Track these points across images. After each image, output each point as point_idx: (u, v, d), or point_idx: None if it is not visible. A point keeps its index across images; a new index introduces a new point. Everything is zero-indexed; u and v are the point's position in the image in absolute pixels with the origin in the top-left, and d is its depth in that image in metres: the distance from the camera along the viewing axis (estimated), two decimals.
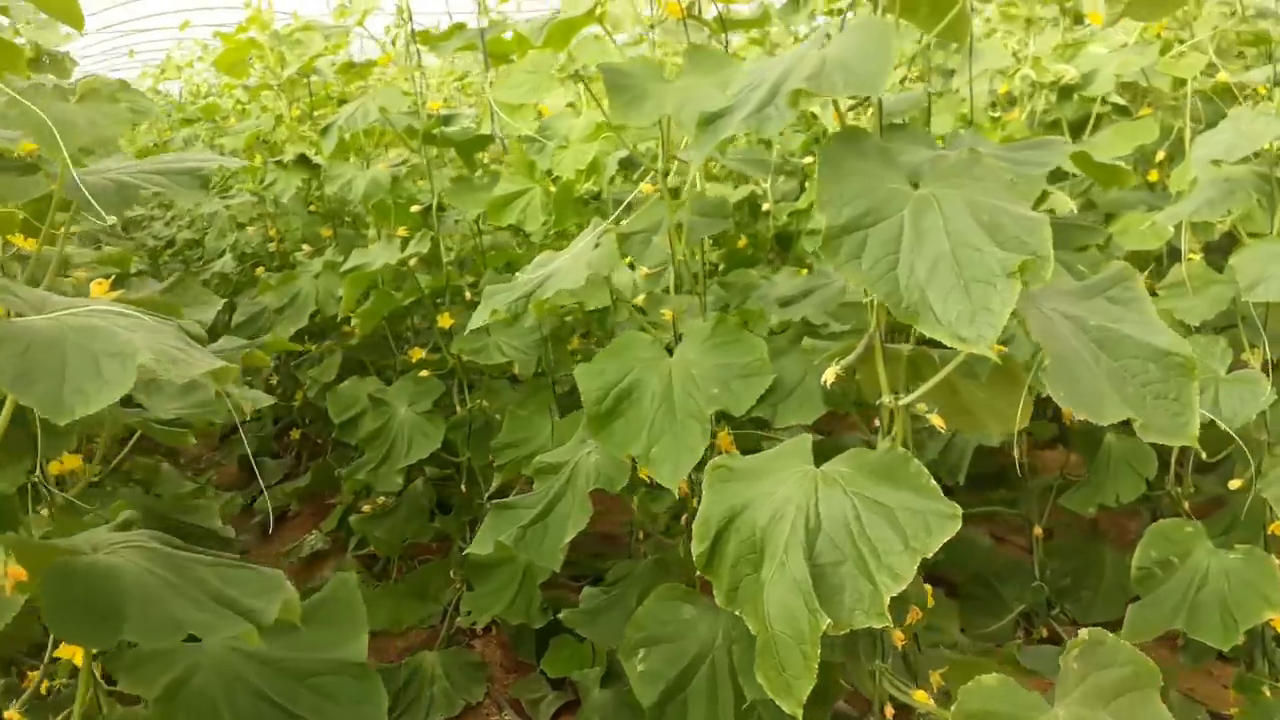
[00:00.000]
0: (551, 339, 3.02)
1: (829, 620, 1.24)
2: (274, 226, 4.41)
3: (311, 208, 4.25)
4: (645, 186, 1.90)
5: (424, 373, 3.29)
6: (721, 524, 1.44)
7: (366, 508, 3.74)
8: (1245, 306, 2.41)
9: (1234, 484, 2.46)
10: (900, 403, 1.47)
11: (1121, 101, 3.26)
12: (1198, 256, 2.67)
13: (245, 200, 4.01)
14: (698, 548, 1.44)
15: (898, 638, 1.65)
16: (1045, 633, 3.14)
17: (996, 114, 2.80)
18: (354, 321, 3.30)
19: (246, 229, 4.83)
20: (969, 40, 1.59)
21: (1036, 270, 1.19)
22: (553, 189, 2.61)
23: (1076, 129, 3.19)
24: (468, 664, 3.17)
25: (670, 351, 1.91)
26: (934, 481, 1.34)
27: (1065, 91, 2.93)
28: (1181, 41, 2.83)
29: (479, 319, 2.01)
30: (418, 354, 3.38)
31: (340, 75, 3.48)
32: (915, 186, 1.30)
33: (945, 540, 1.29)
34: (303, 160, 3.99)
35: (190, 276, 2.53)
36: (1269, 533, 2.45)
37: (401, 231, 3.27)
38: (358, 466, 3.17)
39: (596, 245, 2.01)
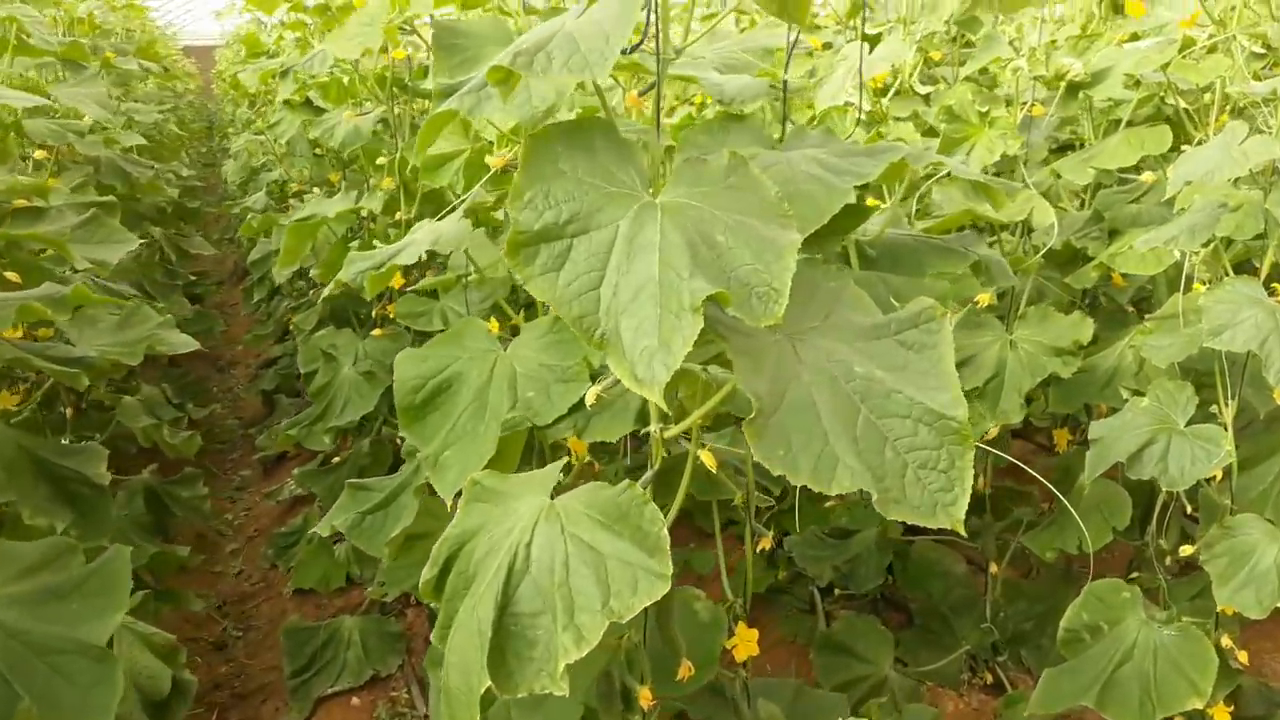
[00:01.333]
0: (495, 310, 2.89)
1: (488, 683, 1.08)
2: (285, 168, 4.38)
3: (317, 150, 4.20)
4: (494, 160, 1.73)
5: (377, 331, 3.21)
6: (452, 550, 1.29)
7: (337, 460, 3.71)
8: (1216, 353, 2.10)
9: (1185, 550, 2.17)
10: (666, 434, 1.29)
11: (1179, 103, 2.91)
12: (1202, 287, 2.36)
13: (250, 140, 3.97)
14: (427, 573, 1.30)
15: (644, 698, 1.47)
16: (990, 679, 2.89)
17: (984, 109, 2.52)
18: (313, 273, 3.23)
19: (272, 169, 4.83)
20: (807, 21, 1.36)
21: (745, 302, 1.00)
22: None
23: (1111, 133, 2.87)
24: (387, 633, 3.11)
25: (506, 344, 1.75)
26: (663, 531, 1.16)
27: (1072, 89, 2.62)
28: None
29: (330, 288, 1.88)
30: (390, 310, 3.29)
31: (316, 17, 3.38)
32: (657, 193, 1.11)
33: (650, 603, 1.11)
34: (307, 103, 3.93)
35: (106, 214, 2.47)
36: (1220, 611, 2.16)
37: (387, 182, 3.19)
38: (293, 422, 3.12)
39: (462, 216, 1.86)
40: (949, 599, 3.06)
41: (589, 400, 1.29)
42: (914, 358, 1.17)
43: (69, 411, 3.11)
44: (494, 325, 1.80)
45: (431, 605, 1.31)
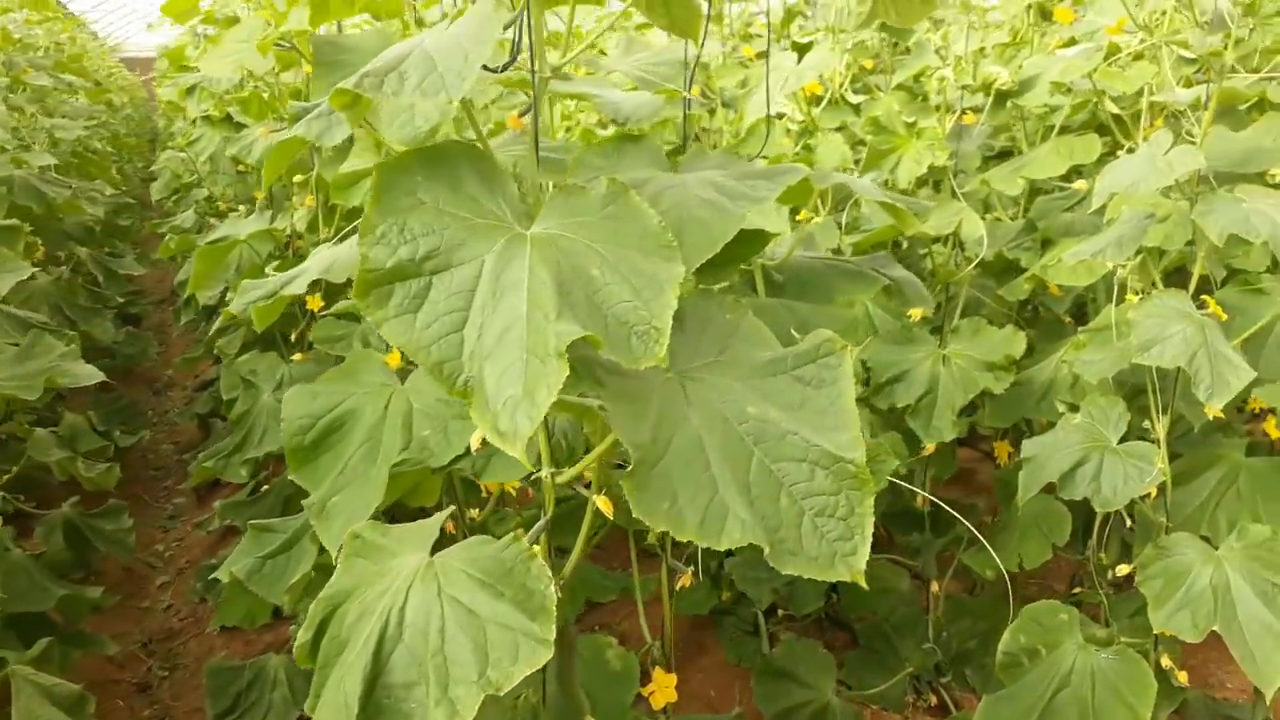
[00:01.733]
0: None
1: None
2: (209, 185, 4.24)
3: (240, 167, 4.06)
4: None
5: (298, 356, 3.08)
6: (326, 611, 1.19)
7: (266, 488, 3.58)
8: (1148, 367, 2.05)
9: (1123, 569, 2.12)
10: (558, 479, 1.20)
11: (1110, 110, 2.87)
12: (1135, 298, 2.31)
13: (173, 156, 3.82)
14: (302, 636, 1.20)
15: None
16: (935, 700, 2.83)
17: (911, 120, 2.46)
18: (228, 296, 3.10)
19: (202, 186, 4.68)
20: (702, 37, 1.28)
21: (624, 343, 0.91)
22: None
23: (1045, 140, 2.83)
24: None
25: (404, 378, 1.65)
26: (550, 590, 1.07)
27: (1000, 98, 2.57)
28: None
29: (220, 320, 1.76)
30: (311, 332, 3.17)
31: (225, 29, 3.25)
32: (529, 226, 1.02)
33: (532, 670, 1.02)
34: (228, 118, 3.79)
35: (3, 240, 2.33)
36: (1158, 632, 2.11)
37: (309, 201, 3.06)
38: (211, 453, 2.98)
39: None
40: (893, 618, 2.99)
41: (473, 444, 1.19)
42: (812, 394, 1.09)
43: None
44: (395, 358, 1.70)
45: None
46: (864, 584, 0.99)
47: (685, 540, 0.94)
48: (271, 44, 1.77)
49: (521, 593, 1.06)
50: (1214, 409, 1.81)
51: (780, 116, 2.90)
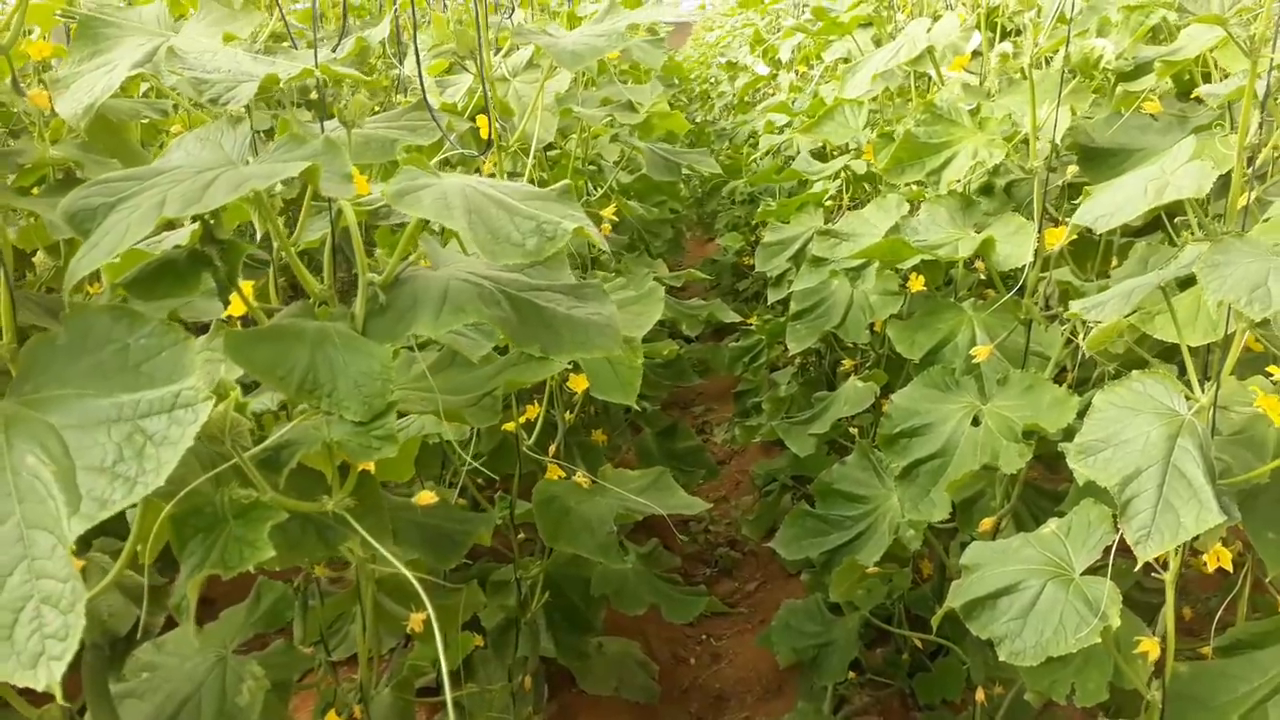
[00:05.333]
0: None
1: None
2: None
3: None
4: None
5: None
6: None
7: None
8: None
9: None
10: None
11: None
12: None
13: None
14: None
15: None
16: None
17: (974, 107, 1.89)
18: None
19: None
20: None
21: None
22: None
23: None
24: None
25: None
26: None
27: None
28: None
29: None
30: None
31: None
32: None
33: None
34: None
35: None
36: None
37: None
38: None
39: None
40: None
41: None
42: (150, 449, 0.88)
43: None
44: None
45: None
46: (59, 696, 0.79)
47: None
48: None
49: None
50: (1144, 557, 1.22)
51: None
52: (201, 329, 2.05)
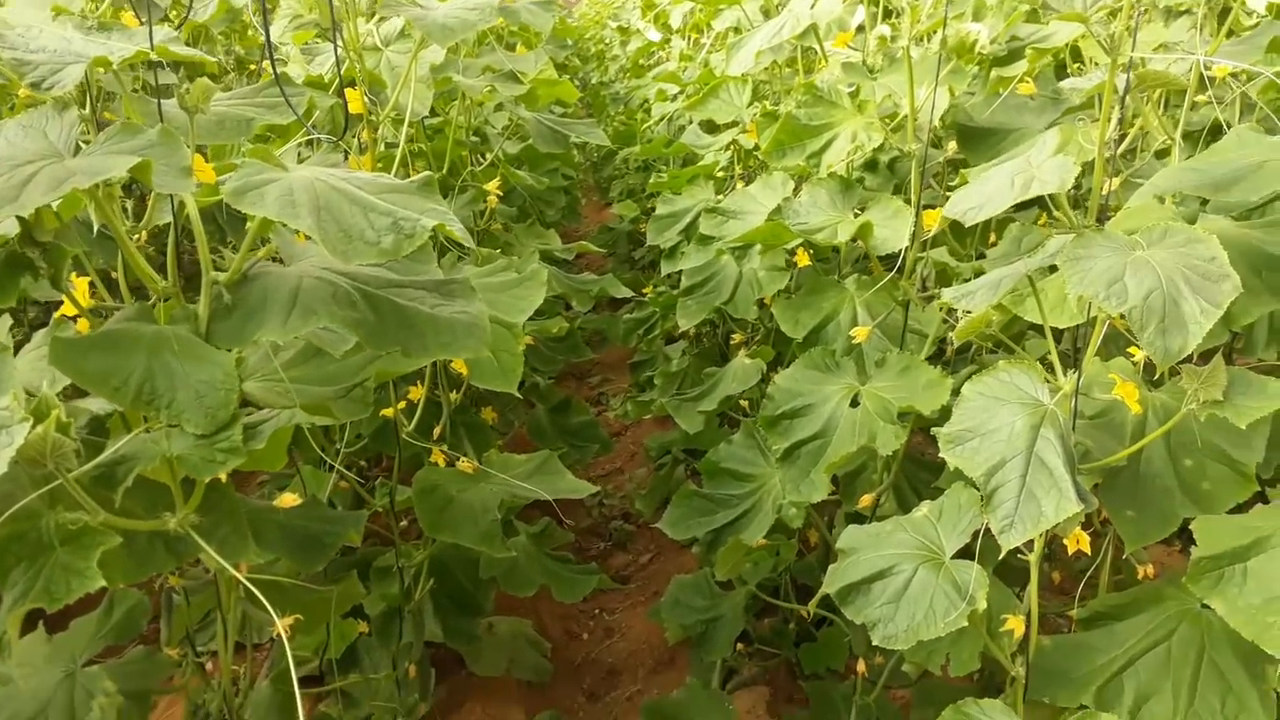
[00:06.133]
0: None
1: None
2: None
3: None
4: None
5: None
6: None
7: None
8: None
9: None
10: None
11: None
12: None
13: None
14: None
15: None
16: None
17: (853, 88, 1.89)
18: None
19: None
20: None
21: None
22: None
23: None
24: None
25: None
26: None
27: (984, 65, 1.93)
28: None
29: None
30: None
31: None
32: None
33: None
34: None
35: None
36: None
37: None
38: None
39: None
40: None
41: None
42: None
43: None
44: None
45: None
46: None
47: None
48: None
49: None
50: (1008, 545, 1.25)
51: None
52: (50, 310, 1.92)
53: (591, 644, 3.11)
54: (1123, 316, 1.23)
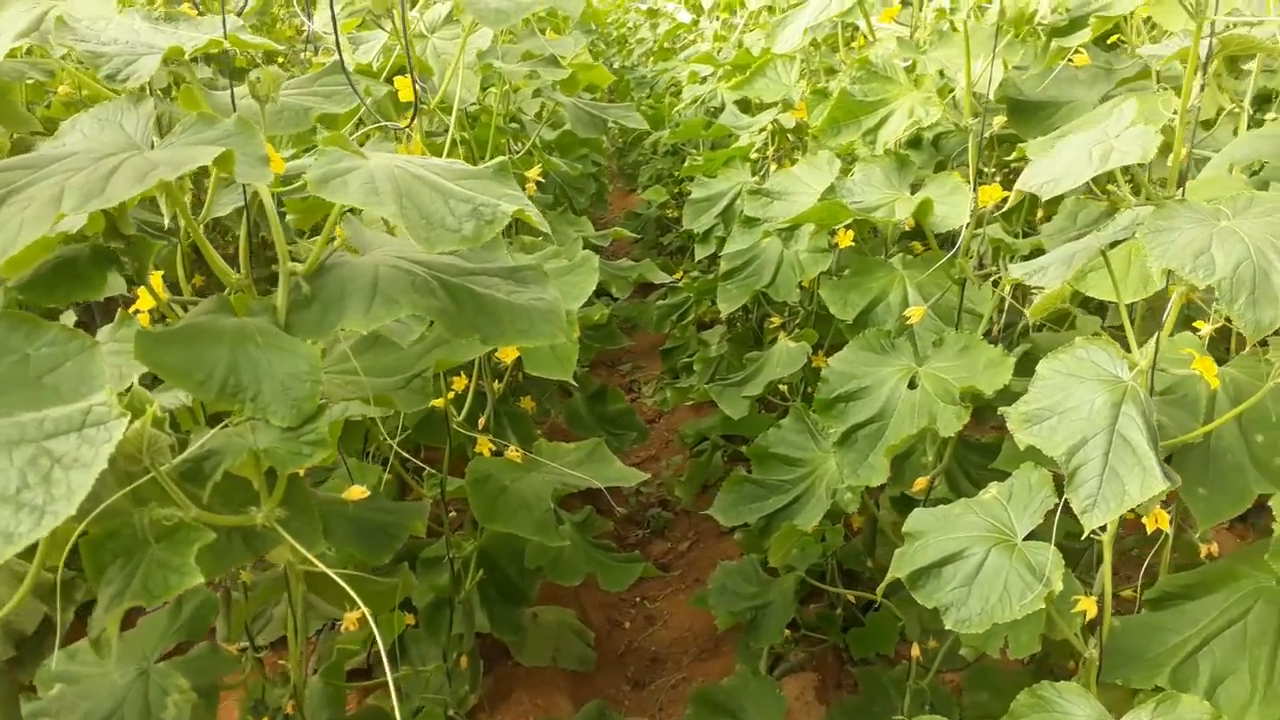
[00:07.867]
0: None
1: None
2: None
3: None
4: None
5: None
6: None
7: None
8: None
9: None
10: None
11: None
12: None
13: None
14: None
15: None
16: None
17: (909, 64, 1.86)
18: None
19: None
20: None
21: None
22: None
23: None
24: None
25: None
26: None
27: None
28: None
29: None
30: None
31: None
32: None
33: None
34: None
35: None
36: None
37: None
38: None
39: None
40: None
41: None
42: (59, 473, 0.79)
43: None
44: None
45: None
46: None
47: None
48: None
49: None
50: (1090, 525, 1.22)
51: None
52: (90, 310, 1.91)
53: (634, 632, 3.10)
54: (1209, 289, 1.20)
